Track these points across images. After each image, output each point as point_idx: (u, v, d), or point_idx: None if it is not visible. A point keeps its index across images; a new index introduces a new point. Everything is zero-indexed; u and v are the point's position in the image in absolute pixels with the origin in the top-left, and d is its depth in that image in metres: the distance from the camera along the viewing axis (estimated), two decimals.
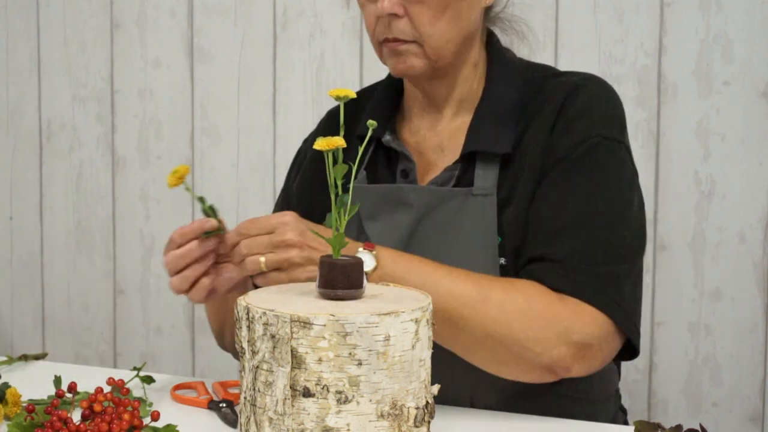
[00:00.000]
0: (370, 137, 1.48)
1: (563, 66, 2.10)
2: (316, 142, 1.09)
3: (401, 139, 1.51)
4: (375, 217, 1.46)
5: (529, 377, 1.34)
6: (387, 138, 1.50)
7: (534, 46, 1.60)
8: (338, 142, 1.11)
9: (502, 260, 1.38)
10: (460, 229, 1.40)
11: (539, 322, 1.30)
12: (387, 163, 1.50)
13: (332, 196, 1.11)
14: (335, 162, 1.12)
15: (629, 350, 1.39)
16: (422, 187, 1.44)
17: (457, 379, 1.40)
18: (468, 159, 1.43)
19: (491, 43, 1.50)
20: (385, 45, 1.41)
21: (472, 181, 1.42)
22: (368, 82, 1.67)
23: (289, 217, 1.29)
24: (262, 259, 1.27)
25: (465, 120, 1.48)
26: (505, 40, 1.54)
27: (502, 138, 1.41)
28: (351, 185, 1.14)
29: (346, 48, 2.39)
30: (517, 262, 1.39)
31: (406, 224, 1.43)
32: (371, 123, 1.18)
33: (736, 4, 2.11)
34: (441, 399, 1.38)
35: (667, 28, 2.16)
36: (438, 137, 1.49)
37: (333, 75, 2.40)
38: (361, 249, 1.29)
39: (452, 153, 1.47)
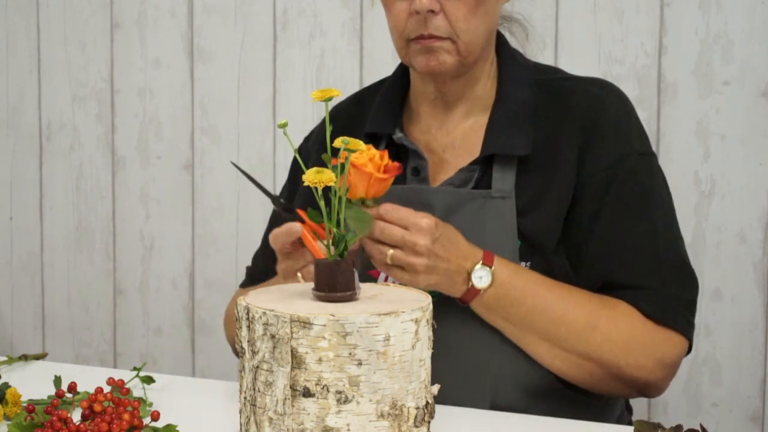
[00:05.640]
0: (380, 134, 1.48)
1: (563, 66, 2.10)
2: (305, 177, 1.08)
3: (410, 137, 1.51)
4: None
5: (620, 393, 1.42)
6: (399, 135, 1.49)
7: (535, 46, 1.60)
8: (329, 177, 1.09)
9: (524, 264, 1.39)
10: (479, 231, 1.40)
11: (640, 351, 1.36)
12: (397, 161, 1.50)
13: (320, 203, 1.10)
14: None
15: None
16: (443, 189, 1.43)
17: (477, 382, 1.40)
18: (485, 161, 1.43)
19: (500, 42, 1.51)
20: (417, 42, 1.40)
21: (490, 183, 1.42)
22: (368, 81, 1.67)
23: (428, 220, 1.28)
24: (390, 252, 1.27)
25: (477, 119, 1.48)
26: (510, 40, 1.54)
27: (520, 140, 1.42)
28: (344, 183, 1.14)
29: (346, 48, 2.39)
30: (557, 269, 1.41)
31: None
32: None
33: (736, 4, 2.11)
34: (458, 401, 1.38)
35: (667, 28, 2.16)
36: (449, 136, 1.49)
37: (333, 75, 2.40)
38: (479, 264, 1.31)
39: (465, 153, 1.46)
